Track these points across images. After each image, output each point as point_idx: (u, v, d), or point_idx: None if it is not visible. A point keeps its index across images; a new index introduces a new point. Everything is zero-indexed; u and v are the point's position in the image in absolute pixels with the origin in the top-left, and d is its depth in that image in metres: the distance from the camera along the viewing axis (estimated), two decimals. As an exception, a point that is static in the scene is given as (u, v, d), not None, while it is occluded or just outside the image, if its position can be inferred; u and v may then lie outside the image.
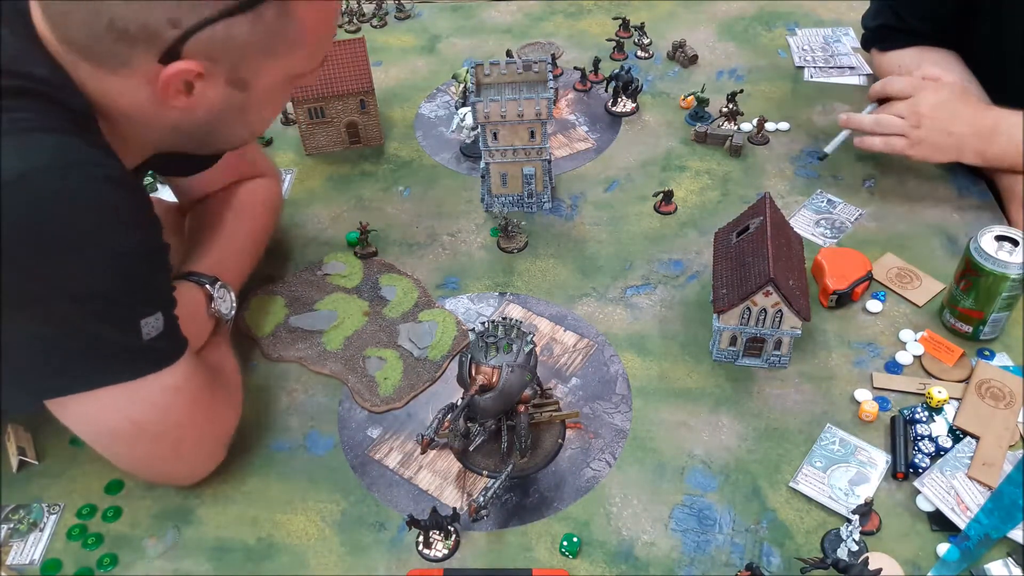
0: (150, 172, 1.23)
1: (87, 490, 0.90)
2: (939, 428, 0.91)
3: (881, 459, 0.89)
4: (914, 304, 1.05)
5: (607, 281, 1.10)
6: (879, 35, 1.34)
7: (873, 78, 1.40)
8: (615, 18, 1.53)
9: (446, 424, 0.86)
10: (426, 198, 1.24)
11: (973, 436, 0.89)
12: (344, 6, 1.63)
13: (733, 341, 0.97)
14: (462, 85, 1.35)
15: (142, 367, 0.77)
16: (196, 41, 0.70)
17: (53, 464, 0.92)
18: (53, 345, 0.73)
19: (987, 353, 0.99)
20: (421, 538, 0.84)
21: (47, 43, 0.73)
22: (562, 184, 1.25)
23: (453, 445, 0.89)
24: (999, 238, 0.94)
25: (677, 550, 0.83)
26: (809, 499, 0.86)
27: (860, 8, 1.40)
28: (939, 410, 0.92)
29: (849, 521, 0.80)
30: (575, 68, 1.44)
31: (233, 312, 0.96)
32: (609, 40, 1.49)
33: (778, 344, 0.96)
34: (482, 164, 1.16)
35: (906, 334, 1.01)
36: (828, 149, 1.22)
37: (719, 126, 1.32)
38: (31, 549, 0.85)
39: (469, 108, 1.22)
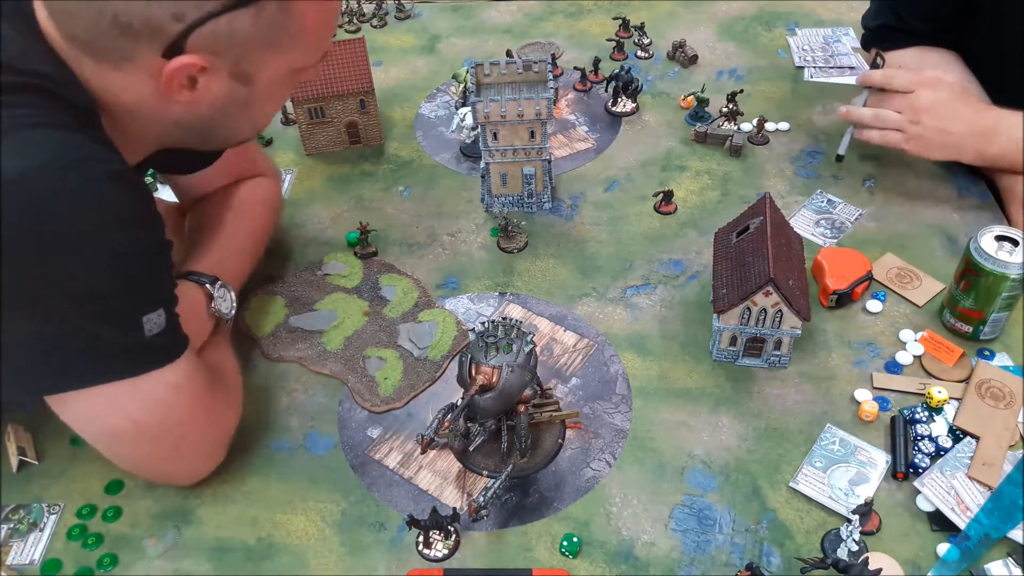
0: (150, 172, 1.24)
1: (87, 490, 0.90)
2: (939, 428, 0.91)
3: (881, 459, 0.89)
4: (914, 304, 1.05)
5: (607, 281, 1.10)
6: (879, 35, 1.34)
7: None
8: (615, 18, 1.53)
9: (446, 424, 0.86)
10: (426, 198, 1.24)
11: (973, 436, 0.89)
12: (344, 6, 1.63)
13: (733, 341, 0.97)
14: (462, 85, 1.35)
15: (144, 364, 0.77)
16: (199, 35, 0.70)
17: (53, 464, 0.92)
18: (55, 344, 0.73)
19: (987, 353, 0.99)
20: (421, 538, 0.84)
21: (50, 39, 0.73)
22: (562, 184, 1.25)
23: (453, 445, 0.89)
24: (999, 238, 0.94)
25: (677, 550, 0.83)
26: (809, 499, 0.86)
27: (860, 8, 1.40)
28: (939, 410, 0.92)
29: (849, 521, 0.80)
30: (575, 68, 1.44)
31: (233, 312, 0.97)
32: (609, 40, 1.49)
33: (778, 344, 0.96)
34: (482, 164, 1.16)
35: (906, 334, 1.01)
36: (841, 151, 1.23)
37: (719, 126, 1.32)
38: (31, 549, 0.85)
39: (469, 108, 1.22)
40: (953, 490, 0.85)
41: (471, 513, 0.82)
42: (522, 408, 0.87)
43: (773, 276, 0.88)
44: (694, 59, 1.46)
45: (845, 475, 0.88)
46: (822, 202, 1.20)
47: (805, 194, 1.21)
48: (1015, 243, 0.93)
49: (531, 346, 0.85)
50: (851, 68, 1.43)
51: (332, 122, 1.29)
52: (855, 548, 0.77)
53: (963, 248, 0.96)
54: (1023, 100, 1.11)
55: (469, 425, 0.87)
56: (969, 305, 0.97)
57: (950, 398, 0.93)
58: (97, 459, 0.84)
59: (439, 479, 0.90)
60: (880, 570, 0.75)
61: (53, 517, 0.87)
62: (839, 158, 1.24)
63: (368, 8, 1.64)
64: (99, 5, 0.69)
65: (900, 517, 0.85)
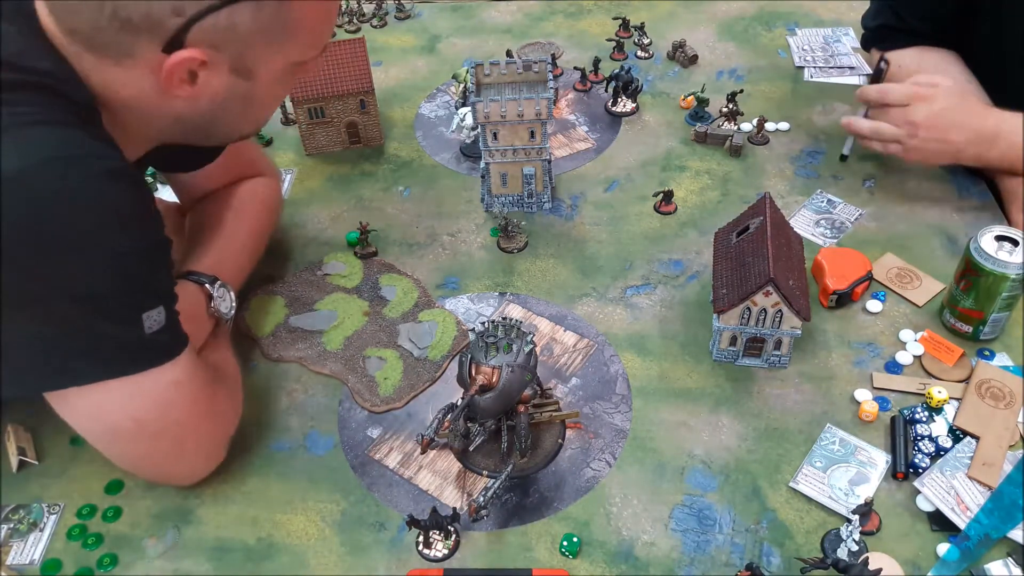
0: (151, 171, 1.24)
1: (87, 490, 0.90)
2: (939, 428, 0.91)
3: (881, 459, 0.89)
4: (914, 304, 1.05)
5: (607, 281, 1.10)
6: (879, 35, 1.34)
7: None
8: (615, 18, 1.53)
9: (446, 424, 0.86)
10: (426, 198, 1.24)
11: (973, 436, 0.89)
12: (344, 6, 1.63)
13: (733, 341, 0.97)
14: (462, 85, 1.35)
15: (144, 361, 0.77)
16: (199, 29, 0.70)
17: (53, 464, 0.92)
18: (54, 341, 0.73)
19: (987, 353, 0.99)
20: (421, 538, 0.84)
21: (51, 35, 0.73)
22: (562, 184, 1.25)
23: (453, 445, 0.89)
24: (999, 238, 0.94)
25: (677, 550, 0.83)
26: (809, 499, 0.86)
27: (860, 8, 1.40)
28: (939, 410, 0.92)
29: (849, 521, 0.80)
30: (575, 68, 1.44)
31: (233, 312, 0.96)
32: (609, 40, 1.49)
33: (778, 344, 0.96)
34: (482, 164, 1.16)
35: (906, 334, 1.01)
36: (846, 151, 1.24)
37: (719, 126, 1.32)
38: (31, 549, 0.85)
39: (469, 108, 1.22)
40: (953, 490, 0.85)
41: (471, 513, 0.82)
42: (522, 408, 0.87)
43: (773, 276, 0.88)
44: (694, 59, 1.46)
45: (845, 475, 0.88)
46: (822, 202, 1.20)
47: (805, 194, 1.21)
48: (1015, 243, 0.93)
49: (531, 346, 0.85)
50: (851, 68, 1.43)
51: (332, 122, 1.29)
52: (855, 548, 0.77)
53: (963, 248, 0.96)
54: (1023, 100, 1.11)
55: (469, 425, 0.87)
56: (969, 305, 0.97)
57: (950, 398, 0.93)
58: (97, 459, 0.84)
59: (439, 479, 0.90)
60: (880, 570, 0.75)
61: (53, 517, 0.87)
62: (843, 158, 1.24)
63: (368, 8, 1.64)
64: (99, 1, 0.69)
65: (900, 517, 0.85)
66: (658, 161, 1.28)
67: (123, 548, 0.85)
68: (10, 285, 0.68)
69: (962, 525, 0.82)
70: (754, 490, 0.88)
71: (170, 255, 0.79)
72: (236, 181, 1.09)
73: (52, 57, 0.73)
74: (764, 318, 0.93)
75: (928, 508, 0.85)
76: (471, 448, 0.90)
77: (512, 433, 0.88)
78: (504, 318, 0.88)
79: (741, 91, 1.32)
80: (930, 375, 0.97)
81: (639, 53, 1.49)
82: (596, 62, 1.43)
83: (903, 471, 0.87)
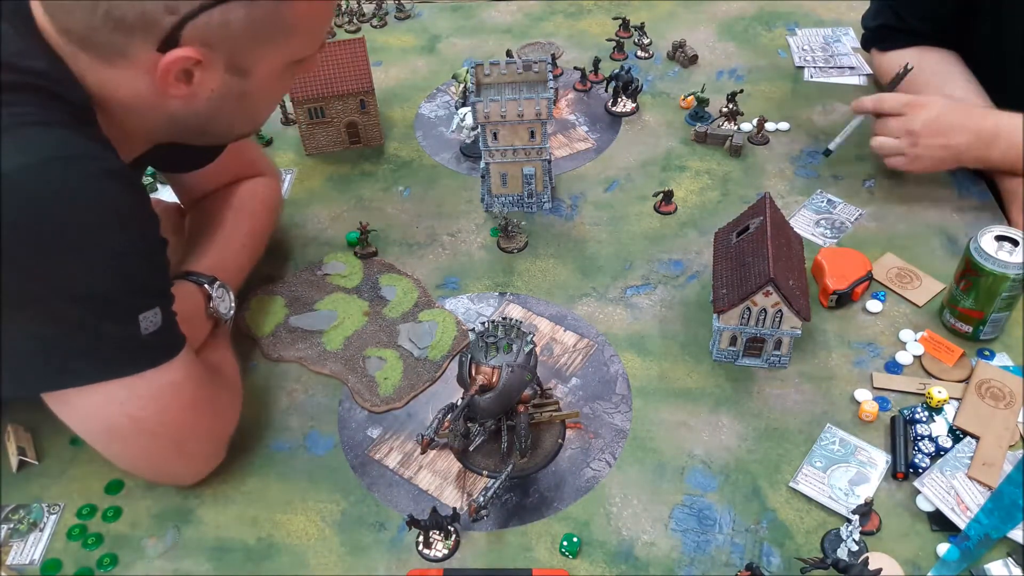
0: (151, 171, 1.24)
1: (87, 490, 0.90)
2: (939, 428, 0.91)
3: (881, 459, 0.89)
4: (914, 304, 1.05)
5: (607, 281, 1.10)
6: (879, 35, 1.34)
7: (873, 78, 1.40)
8: (615, 18, 1.53)
9: (446, 424, 0.86)
10: (426, 198, 1.24)
11: (973, 436, 0.89)
12: (344, 6, 1.63)
13: (733, 341, 0.97)
14: (462, 85, 1.35)
15: (141, 362, 0.77)
16: (193, 28, 0.70)
17: (53, 464, 0.92)
18: (51, 341, 0.73)
19: (987, 353, 0.99)
20: (421, 538, 0.84)
21: (47, 36, 0.73)
22: (562, 184, 1.25)
23: (453, 445, 0.89)
24: (999, 238, 0.94)
25: (677, 550, 0.83)
26: (809, 499, 0.86)
27: (860, 8, 1.40)
28: (939, 410, 0.92)
29: (849, 521, 0.80)
30: (575, 68, 1.44)
31: (232, 312, 0.96)
32: (609, 40, 1.49)
33: (778, 344, 0.96)
34: (482, 164, 1.16)
35: (906, 334, 1.01)
36: (831, 146, 1.23)
37: (719, 126, 1.32)
38: (31, 549, 0.85)
39: (469, 108, 1.22)
40: (953, 490, 0.85)
41: (471, 513, 0.82)
42: (522, 408, 0.87)
43: (773, 276, 0.88)
44: (694, 59, 1.46)
45: (845, 475, 0.88)
46: (822, 202, 1.20)
47: (805, 194, 1.21)
48: (1015, 243, 0.93)
49: (531, 346, 0.85)
50: (851, 68, 1.43)
51: (332, 122, 1.29)
52: (855, 548, 0.77)
53: (963, 248, 0.96)
54: (1023, 100, 1.11)
55: (469, 425, 0.87)
56: (969, 305, 0.97)
57: (950, 398, 0.93)
58: (97, 459, 0.84)
59: (439, 479, 0.90)
60: (880, 570, 0.75)
61: (53, 517, 0.87)
62: (827, 152, 1.24)
63: (368, 8, 1.64)
64: (93, 0, 0.69)
65: (900, 517, 0.85)
66: (658, 161, 1.28)
67: (123, 548, 0.85)
68: (9, 285, 0.68)
69: (962, 525, 0.82)
70: (754, 490, 0.88)
71: (166, 256, 0.79)
72: (236, 181, 1.09)
73: (48, 57, 0.73)
74: (764, 318, 0.93)
75: (928, 508, 0.85)
76: (471, 448, 0.90)
77: (512, 433, 0.88)
78: (504, 318, 0.88)
79: (741, 91, 1.32)
80: (930, 375, 0.97)
81: (639, 53, 1.49)
82: (596, 62, 1.43)
83: (903, 471, 0.87)
